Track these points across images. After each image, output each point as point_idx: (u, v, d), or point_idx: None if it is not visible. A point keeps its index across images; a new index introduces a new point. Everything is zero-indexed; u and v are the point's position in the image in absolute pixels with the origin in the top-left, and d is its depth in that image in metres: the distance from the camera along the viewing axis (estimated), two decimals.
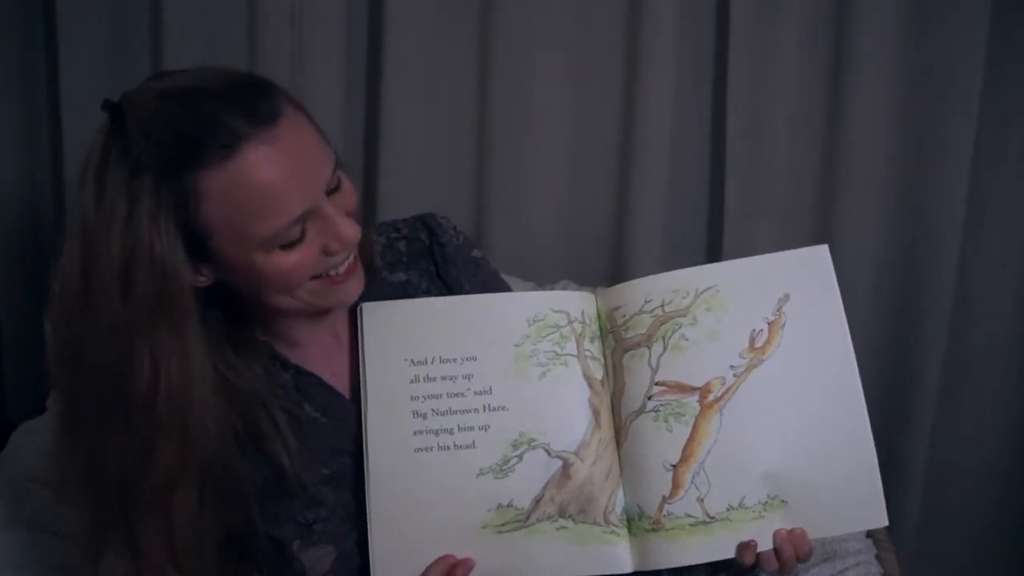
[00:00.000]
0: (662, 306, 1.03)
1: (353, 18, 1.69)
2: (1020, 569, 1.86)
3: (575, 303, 1.06)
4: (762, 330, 1.00)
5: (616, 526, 1.00)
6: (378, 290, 1.07)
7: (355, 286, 1.00)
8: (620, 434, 1.02)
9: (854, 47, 1.63)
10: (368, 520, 0.99)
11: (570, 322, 1.05)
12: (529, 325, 1.04)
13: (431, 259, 1.13)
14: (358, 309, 1.04)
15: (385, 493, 0.99)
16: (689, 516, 0.97)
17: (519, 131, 1.69)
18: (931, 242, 1.72)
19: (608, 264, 1.77)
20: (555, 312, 1.05)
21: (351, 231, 0.95)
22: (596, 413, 1.03)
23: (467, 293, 1.12)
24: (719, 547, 0.97)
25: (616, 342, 1.04)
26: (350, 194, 0.97)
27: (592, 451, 1.01)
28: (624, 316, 1.04)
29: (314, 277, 0.97)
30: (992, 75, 1.64)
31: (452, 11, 1.68)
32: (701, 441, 0.98)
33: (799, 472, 0.97)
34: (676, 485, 0.98)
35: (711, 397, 0.99)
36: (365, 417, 1.02)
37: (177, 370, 0.93)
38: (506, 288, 1.20)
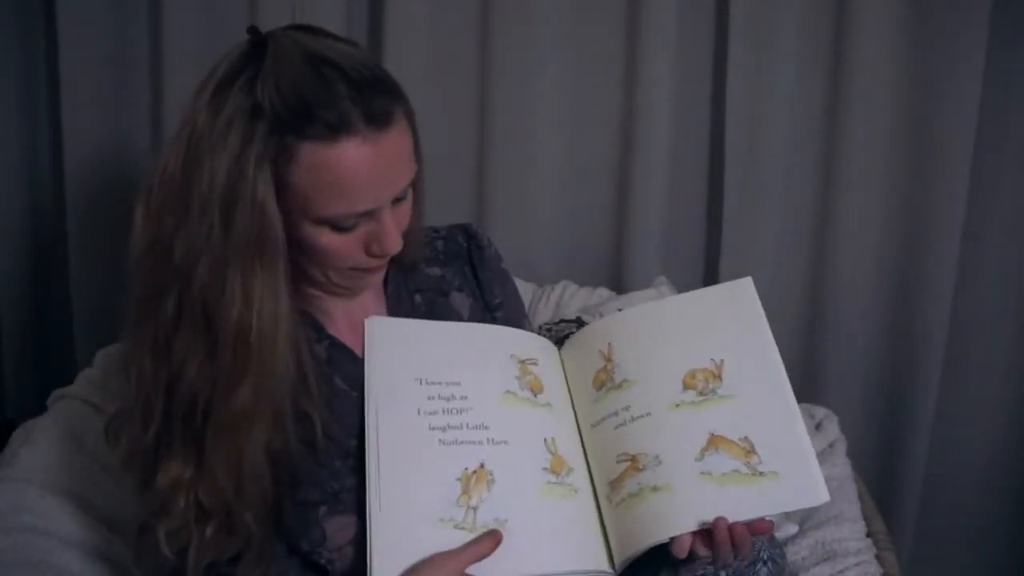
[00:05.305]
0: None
1: (353, 19, 1.69)
2: (1020, 569, 1.86)
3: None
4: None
5: None
6: (416, 280, 1.17)
7: (378, 276, 1.09)
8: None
9: (854, 48, 1.64)
10: (368, 453, 1.02)
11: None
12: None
13: (468, 260, 1.22)
14: (366, 321, 1.11)
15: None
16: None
17: (519, 131, 1.69)
18: (931, 242, 1.72)
19: (608, 264, 1.77)
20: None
21: (394, 243, 1.02)
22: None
23: (498, 296, 1.22)
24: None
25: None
26: (407, 210, 1.05)
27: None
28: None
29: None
30: (992, 75, 1.64)
31: (452, 12, 1.68)
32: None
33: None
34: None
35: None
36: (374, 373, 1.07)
37: (268, 312, 0.98)
38: (520, 303, 1.29)
